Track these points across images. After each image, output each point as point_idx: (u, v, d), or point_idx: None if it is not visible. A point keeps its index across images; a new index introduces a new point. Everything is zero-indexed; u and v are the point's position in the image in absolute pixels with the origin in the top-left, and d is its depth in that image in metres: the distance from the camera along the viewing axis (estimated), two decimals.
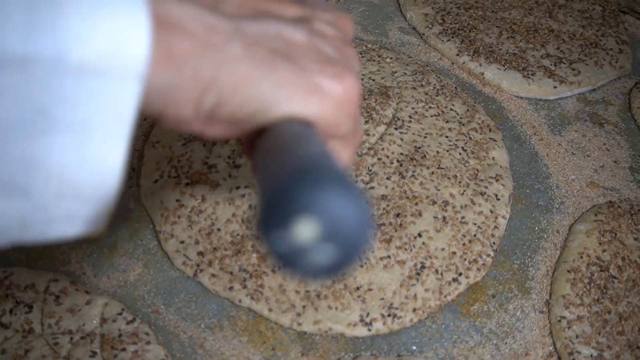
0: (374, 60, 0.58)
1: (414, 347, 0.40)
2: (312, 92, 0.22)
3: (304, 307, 0.40)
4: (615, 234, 0.44)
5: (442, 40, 0.61)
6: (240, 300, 0.40)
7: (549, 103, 0.57)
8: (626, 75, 0.61)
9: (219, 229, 0.43)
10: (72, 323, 0.38)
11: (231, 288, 0.41)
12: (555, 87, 0.57)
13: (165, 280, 0.42)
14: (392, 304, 0.41)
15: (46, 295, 0.39)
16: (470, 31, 0.61)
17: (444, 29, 0.62)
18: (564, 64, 0.59)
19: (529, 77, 0.57)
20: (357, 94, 0.24)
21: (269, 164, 0.19)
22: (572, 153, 0.53)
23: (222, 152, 0.47)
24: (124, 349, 0.37)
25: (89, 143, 0.19)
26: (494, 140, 0.52)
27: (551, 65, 0.58)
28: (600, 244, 0.44)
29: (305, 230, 0.14)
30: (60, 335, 0.37)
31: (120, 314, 0.39)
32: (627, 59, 0.61)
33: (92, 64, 0.18)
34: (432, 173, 0.48)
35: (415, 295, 0.41)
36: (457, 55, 0.59)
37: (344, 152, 0.25)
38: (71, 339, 0.37)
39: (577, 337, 0.39)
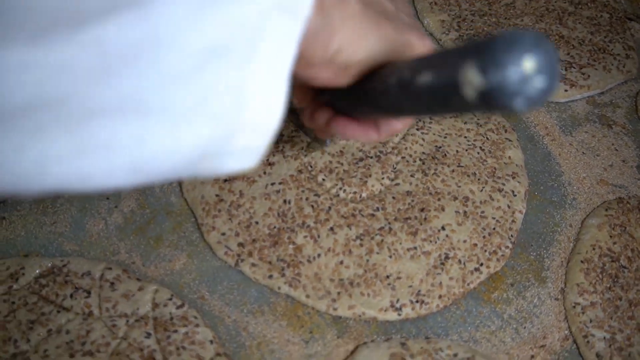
0: None
1: (440, 331, 0.43)
2: (406, 46, 0.29)
3: (338, 293, 0.43)
4: (625, 228, 0.47)
5: None
6: (279, 288, 0.44)
7: (560, 105, 0.61)
8: (633, 79, 0.64)
9: (257, 222, 0.46)
10: (127, 307, 0.41)
11: (271, 276, 0.44)
12: (566, 91, 0.60)
13: (209, 269, 0.45)
14: (419, 291, 0.44)
15: (102, 282, 0.42)
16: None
17: (459, 35, 0.65)
18: (574, 68, 0.62)
19: None
20: (432, 48, 0.31)
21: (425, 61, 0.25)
22: (583, 152, 0.56)
23: None
24: (175, 331, 0.40)
25: (271, 73, 0.22)
26: (510, 140, 0.55)
27: (562, 69, 0.62)
28: (611, 236, 0.47)
29: (530, 64, 0.19)
30: (117, 318, 0.40)
31: (170, 299, 0.42)
32: (634, 64, 0.64)
33: (284, 2, 0.21)
34: (453, 171, 0.51)
35: (440, 283, 0.44)
36: None
37: None
38: (127, 321, 0.40)
39: (590, 321, 0.42)
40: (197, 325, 0.41)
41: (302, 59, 0.26)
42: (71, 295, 0.41)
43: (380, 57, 0.29)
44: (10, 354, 0.38)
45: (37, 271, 0.42)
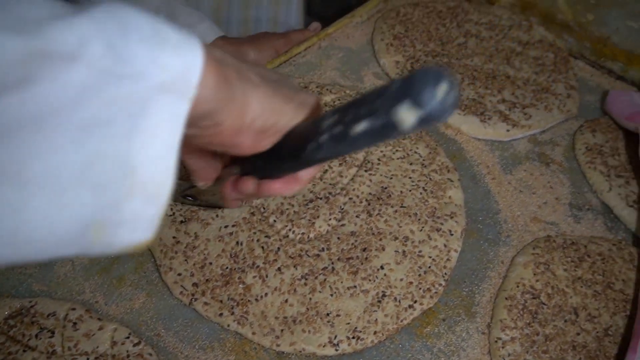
0: None
1: None
2: (305, 105, 0.35)
3: (282, 330, 0.48)
4: (548, 266, 0.52)
5: None
6: (228, 325, 0.48)
7: (503, 144, 0.65)
8: (573, 117, 0.68)
9: (210, 263, 0.51)
10: (88, 346, 0.45)
11: (221, 314, 0.48)
12: (508, 130, 0.65)
13: (166, 307, 0.49)
14: (356, 327, 0.48)
15: (65, 322, 0.46)
16: None
17: None
18: (517, 108, 0.66)
19: (485, 122, 0.65)
20: (320, 101, 0.37)
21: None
22: (520, 190, 0.61)
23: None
24: None
25: (158, 143, 0.25)
26: (451, 180, 0.59)
27: (506, 110, 0.66)
28: (534, 274, 0.51)
29: (447, 87, 0.25)
30: (78, 356, 0.45)
31: (128, 337, 0.46)
32: (574, 103, 0.69)
33: (166, 85, 0.25)
34: (396, 211, 0.56)
35: (376, 320, 0.49)
36: None
37: None
38: (87, 359, 0.45)
39: (508, 355, 0.46)
40: None
41: (228, 129, 0.30)
42: (36, 336, 0.45)
43: (289, 118, 0.34)
44: None
45: (7, 312, 0.46)
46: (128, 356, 0.45)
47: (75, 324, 0.46)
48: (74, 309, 0.47)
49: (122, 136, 0.24)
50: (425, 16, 0.77)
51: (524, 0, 0.80)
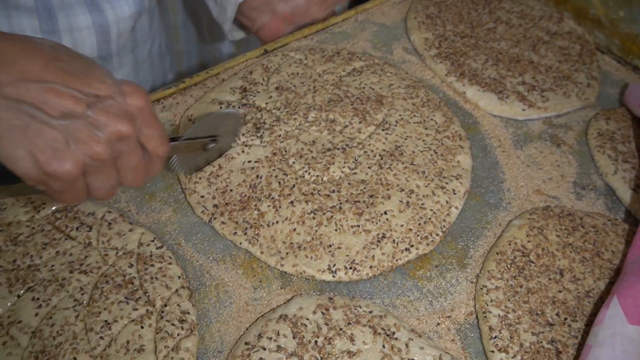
0: (376, 73, 0.71)
1: (366, 295, 0.52)
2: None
3: (287, 253, 0.53)
4: (542, 230, 0.55)
5: (436, 62, 0.73)
6: (240, 243, 0.54)
7: (517, 122, 0.68)
8: (591, 106, 0.71)
9: (231, 190, 0.57)
10: (118, 243, 0.52)
11: (235, 233, 0.54)
12: (524, 110, 0.68)
13: (187, 223, 0.55)
14: (354, 260, 0.53)
15: (102, 221, 0.53)
16: (460, 56, 0.73)
17: (438, 52, 0.73)
18: (536, 91, 0.69)
19: (502, 99, 0.68)
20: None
21: None
22: (527, 165, 0.64)
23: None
24: (152, 265, 0.51)
25: None
26: (462, 147, 0.63)
27: (524, 91, 0.69)
28: (527, 235, 0.55)
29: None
30: (109, 249, 0.51)
31: (153, 241, 0.53)
32: (593, 93, 0.71)
33: None
34: (406, 167, 0.60)
35: (373, 256, 0.53)
36: (446, 75, 0.71)
37: None
38: (116, 253, 0.51)
39: (491, 300, 0.50)
40: (170, 263, 0.51)
41: None
42: (77, 228, 0.52)
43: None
44: (27, 265, 0.50)
45: (54, 207, 0.54)
46: (151, 256, 0.51)
47: (109, 223, 0.53)
48: (110, 212, 0.54)
49: None
50: (460, 0, 0.81)
51: None
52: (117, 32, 0.70)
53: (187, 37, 1.01)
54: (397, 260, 0.54)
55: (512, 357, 0.46)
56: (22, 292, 0.48)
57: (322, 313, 0.48)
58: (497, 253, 0.54)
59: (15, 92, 0.36)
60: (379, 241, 0.54)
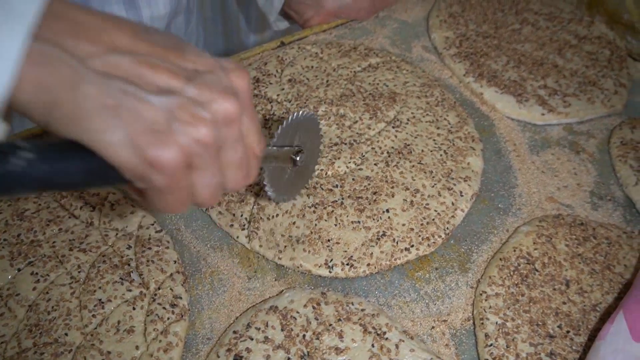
0: (392, 70, 0.69)
1: (362, 292, 0.51)
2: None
3: (285, 247, 0.53)
4: (551, 239, 0.53)
5: (455, 61, 0.71)
6: (237, 237, 0.54)
7: (535, 127, 0.66)
8: (617, 114, 0.68)
9: None
10: (119, 224, 0.53)
11: (232, 225, 0.54)
12: (543, 114, 0.65)
13: (189, 210, 0.56)
14: (352, 256, 0.52)
15: (105, 202, 0.54)
16: (481, 57, 0.71)
17: (458, 52, 0.71)
18: (558, 95, 0.67)
19: (521, 102, 0.66)
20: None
21: None
22: (542, 171, 0.61)
23: None
24: (149, 248, 0.51)
25: None
26: (474, 149, 0.61)
27: (545, 95, 0.67)
28: (534, 243, 0.52)
29: None
30: (110, 230, 0.52)
31: (153, 224, 0.53)
32: (620, 100, 0.68)
33: None
34: (413, 166, 0.59)
35: (372, 253, 0.52)
36: (464, 75, 0.69)
37: None
38: (116, 234, 0.52)
39: (490, 307, 0.48)
40: (167, 247, 0.52)
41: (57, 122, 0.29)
42: (81, 208, 0.53)
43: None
44: (30, 240, 0.51)
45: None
46: (149, 239, 0.52)
47: (112, 205, 0.54)
48: (114, 194, 0.55)
49: None
50: (486, 0, 0.79)
51: None
52: None
53: (215, 31, 1.02)
54: (395, 260, 0.52)
55: None
56: (22, 266, 0.49)
57: (313, 307, 0.47)
58: (500, 259, 0.52)
59: (104, 65, 0.30)
60: (378, 239, 0.53)
